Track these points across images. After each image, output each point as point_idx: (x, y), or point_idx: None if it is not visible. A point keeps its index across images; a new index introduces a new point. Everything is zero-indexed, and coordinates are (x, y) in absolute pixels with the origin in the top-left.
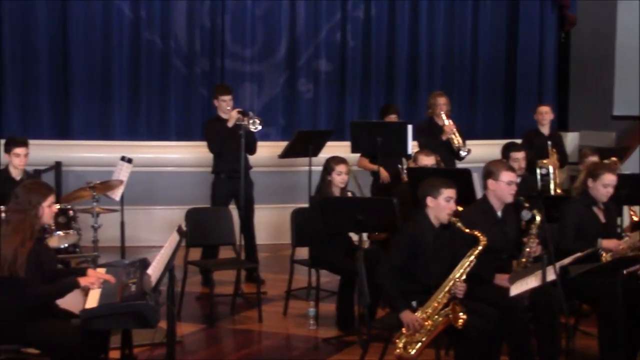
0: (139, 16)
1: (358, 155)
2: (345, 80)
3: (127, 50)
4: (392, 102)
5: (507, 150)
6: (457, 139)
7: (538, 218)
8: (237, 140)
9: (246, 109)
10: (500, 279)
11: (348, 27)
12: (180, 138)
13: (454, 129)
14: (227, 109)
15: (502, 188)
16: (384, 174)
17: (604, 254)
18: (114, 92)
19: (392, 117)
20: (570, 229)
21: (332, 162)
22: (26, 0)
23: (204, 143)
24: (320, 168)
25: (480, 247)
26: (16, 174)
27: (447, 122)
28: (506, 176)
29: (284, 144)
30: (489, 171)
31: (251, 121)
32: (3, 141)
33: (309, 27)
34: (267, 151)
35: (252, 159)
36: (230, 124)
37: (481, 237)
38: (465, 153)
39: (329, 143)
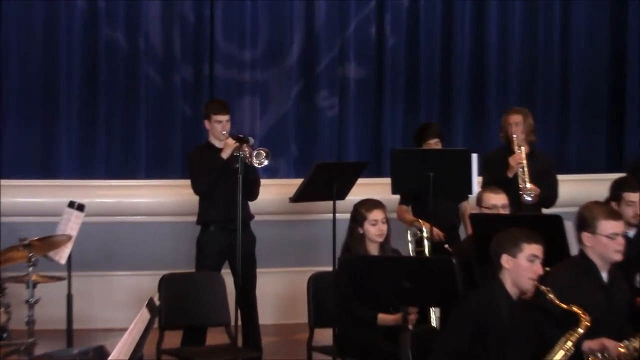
0: (95, 7)
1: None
2: (383, 92)
3: (78, 53)
4: (447, 121)
5: (617, 190)
6: (524, 177)
7: None
8: (233, 179)
9: (245, 134)
10: None
11: (387, 18)
12: (152, 175)
13: (524, 162)
14: (222, 134)
15: (604, 243)
16: (437, 234)
17: None
18: (59, 112)
19: (433, 143)
20: None
21: (363, 208)
22: None
23: (187, 182)
24: (348, 216)
25: (580, 330)
26: None
27: (518, 151)
28: (608, 227)
29: (297, 182)
30: (584, 219)
31: (254, 153)
32: None
33: (332, 20)
34: (274, 192)
35: (253, 204)
36: (224, 155)
37: (582, 314)
38: (530, 199)
39: (360, 180)
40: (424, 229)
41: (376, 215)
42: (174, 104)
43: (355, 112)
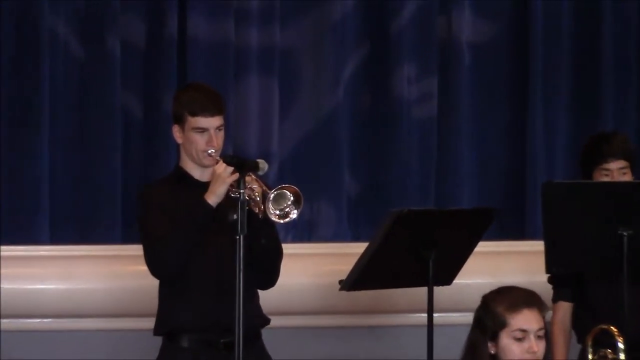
0: None
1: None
2: (525, 73)
3: None
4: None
5: None
6: None
7: None
8: (226, 245)
9: (251, 154)
10: None
11: None
12: (62, 237)
13: None
14: (207, 154)
15: None
16: None
17: None
18: None
19: (616, 169)
20: None
21: (500, 307)
22: None
23: (135, 251)
24: (459, 319)
25: None
26: None
27: None
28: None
29: (357, 250)
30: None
31: (272, 194)
32: None
33: None
34: (309, 270)
35: (268, 296)
36: (213, 197)
37: None
38: None
39: (480, 246)
40: (619, 344)
41: (527, 320)
42: (104, 92)
43: (470, 108)
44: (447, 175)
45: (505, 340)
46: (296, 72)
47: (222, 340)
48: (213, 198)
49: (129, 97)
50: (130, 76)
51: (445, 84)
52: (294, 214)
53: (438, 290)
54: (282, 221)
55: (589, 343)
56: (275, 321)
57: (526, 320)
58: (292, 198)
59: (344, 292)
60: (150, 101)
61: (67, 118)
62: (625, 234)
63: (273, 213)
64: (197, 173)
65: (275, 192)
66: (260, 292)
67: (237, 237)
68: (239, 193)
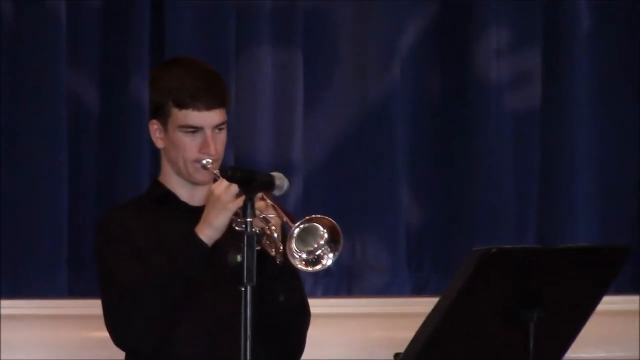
0: None
1: None
2: None
3: None
4: None
5: None
6: None
7: None
8: (225, 299)
9: (261, 166)
10: None
11: None
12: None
13: None
14: (196, 165)
15: None
16: None
17: None
18: None
19: None
20: None
21: None
22: None
23: (94, 308)
24: None
25: None
26: None
27: None
28: None
29: (418, 309)
30: None
31: (298, 227)
32: None
33: None
34: (345, 334)
35: None
36: (207, 232)
37: None
38: None
39: (605, 303)
40: None
41: None
42: (43, 70)
43: (589, 97)
44: (556, 196)
45: None
46: (328, 42)
47: None
48: (209, 232)
49: (79, 79)
50: (81, 47)
51: (553, 60)
52: (328, 259)
53: None
54: (310, 269)
55: None
56: None
57: None
58: (325, 235)
59: None
60: (110, 84)
61: None
62: None
63: (298, 257)
64: (186, 193)
65: (301, 226)
66: None
67: (242, 289)
68: (246, 224)
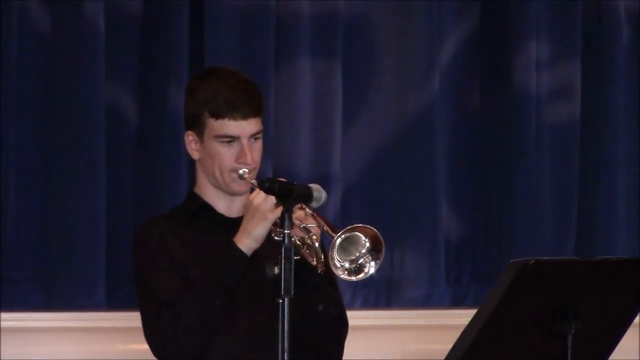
0: None
1: None
2: None
3: None
4: None
5: None
6: None
7: None
8: (262, 310)
9: (299, 178)
10: None
11: None
12: (25, 302)
13: None
14: (233, 175)
15: None
16: None
17: None
18: None
19: None
20: None
21: None
22: None
23: (129, 317)
24: None
25: None
26: None
27: None
28: None
29: (457, 321)
30: None
31: (340, 238)
32: None
33: None
34: (384, 345)
35: None
36: (246, 241)
37: None
38: None
39: None
40: None
41: None
42: (82, 83)
43: (630, 109)
44: (594, 208)
45: None
46: (368, 55)
47: None
48: (248, 241)
49: (117, 90)
50: (120, 59)
51: (593, 73)
52: (371, 268)
53: None
54: (353, 278)
55: None
56: None
57: None
58: (367, 243)
59: None
60: (149, 96)
61: (25, 122)
62: None
63: (340, 266)
64: (222, 204)
65: (343, 235)
66: None
67: (280, 301)
68: (283, 236)
